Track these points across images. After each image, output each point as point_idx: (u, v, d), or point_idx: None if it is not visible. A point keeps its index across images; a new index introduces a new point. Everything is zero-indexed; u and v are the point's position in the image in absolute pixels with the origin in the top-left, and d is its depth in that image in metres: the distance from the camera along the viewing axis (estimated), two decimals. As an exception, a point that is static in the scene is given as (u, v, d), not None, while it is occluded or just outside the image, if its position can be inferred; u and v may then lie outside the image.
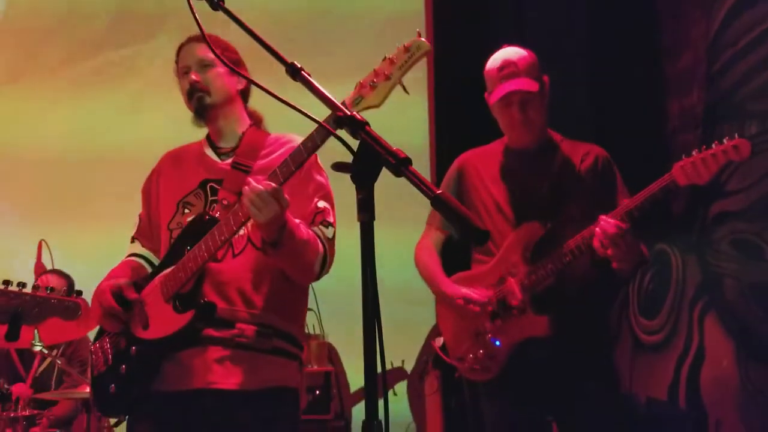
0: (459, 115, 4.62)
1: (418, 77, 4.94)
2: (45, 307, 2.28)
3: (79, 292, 2.35)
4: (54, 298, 2.29)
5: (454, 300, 2.80)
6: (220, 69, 2.39)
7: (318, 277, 2.31)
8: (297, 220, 2.19)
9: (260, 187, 2.04)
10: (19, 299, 2.25)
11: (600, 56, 4.32)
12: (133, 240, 2.49)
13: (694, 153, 2.54)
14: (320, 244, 2.25)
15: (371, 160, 1.51)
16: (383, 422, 1.47)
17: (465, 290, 2.78)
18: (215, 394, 2.21)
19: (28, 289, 2.27)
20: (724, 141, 2.51)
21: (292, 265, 2.25)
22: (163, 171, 2.50)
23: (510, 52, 2.84)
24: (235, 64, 2.23)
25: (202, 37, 1.79)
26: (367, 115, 1.63)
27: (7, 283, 2.27)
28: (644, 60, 4.10)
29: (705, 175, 2.51)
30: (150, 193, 2.49)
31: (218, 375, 2.21)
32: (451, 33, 4.93)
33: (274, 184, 2.06)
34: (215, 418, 2.22)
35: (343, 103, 1.87)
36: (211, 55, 2.34)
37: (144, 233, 2.48)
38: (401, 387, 4.80)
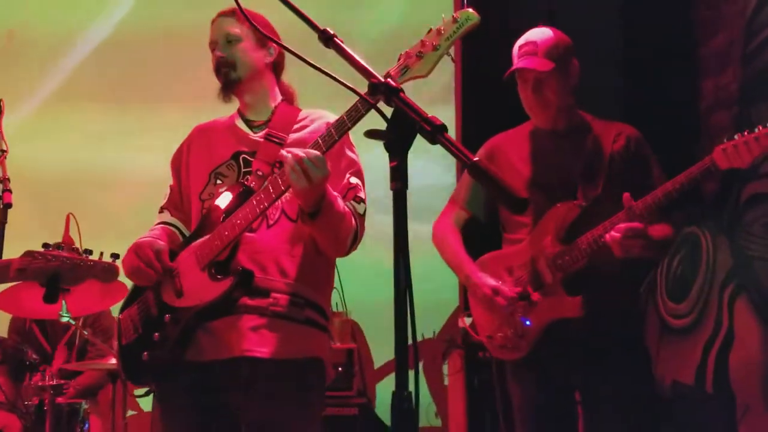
0: (486, 117, 4.52)
1: (445, 81, 4.89)
2: (82, 269, 2.28)
3: (116, 255, 2.34)
4: (91, 260, 2.28)
5: (481, 290, 2.75)
6: (246, 44, 2.37)
7: (348, 252, 2.31)
8: (335, 193, 2.19)
9: (302, 154, 2.03)
10: (57, 261, 2.25)
11: (633, 35, 4.25)
12: (161, 210, 2.48)
13: (736, 137, 2.47)
14: (353, 220, 2.25)
15: (405, 127, 1.49)
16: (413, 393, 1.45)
17: (494, 283, 2.74)
18: (250, 362, 2.20)
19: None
20: None
21: (328, 237, 2.24)
22: (193, 143, 2.49)
23: (535, 32, 2.78)
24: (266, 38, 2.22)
25: (238, 8, 1.79)
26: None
27: (46, 246, 2.27)
28: (678, 38, 4.03)
29: (747, 158, 2.45)
30: (180, 164, 2.49)
31: (253, 343, 2.20)
32: (478, 32, 4.82)
33: (317, 152, 2.05)
34: (249, 387, 2.21)
35: (388, 74, 1.86)
36: (238, 30, 2.35)
37: (174, 203, 2.47)
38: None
